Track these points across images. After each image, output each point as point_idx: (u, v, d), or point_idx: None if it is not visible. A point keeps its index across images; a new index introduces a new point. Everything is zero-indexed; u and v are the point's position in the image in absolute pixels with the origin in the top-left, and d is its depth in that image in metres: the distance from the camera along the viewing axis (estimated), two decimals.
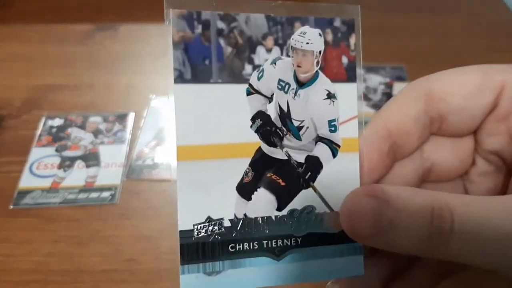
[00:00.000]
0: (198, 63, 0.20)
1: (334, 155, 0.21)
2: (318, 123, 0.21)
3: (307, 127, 0.21)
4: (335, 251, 0.21)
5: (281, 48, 0.21)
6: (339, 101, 0.21)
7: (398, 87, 0.60)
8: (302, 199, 0.21)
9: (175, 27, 0.19)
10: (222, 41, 0.20)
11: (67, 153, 0.51)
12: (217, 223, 0.20)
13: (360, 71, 0.21)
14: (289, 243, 0.21)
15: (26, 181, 0.48)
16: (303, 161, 0.21)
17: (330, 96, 0.21)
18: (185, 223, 0.19)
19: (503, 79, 0.20)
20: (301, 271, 0.21)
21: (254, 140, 0.21)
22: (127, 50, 0.66)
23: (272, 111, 0.21)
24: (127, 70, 0.63)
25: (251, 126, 0.21)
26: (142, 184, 0.48)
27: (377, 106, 0.57)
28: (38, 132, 0.53)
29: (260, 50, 0.21)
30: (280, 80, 0.21)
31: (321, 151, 0.21)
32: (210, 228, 0.20)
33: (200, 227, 0.20)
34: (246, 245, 0.20)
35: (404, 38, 0.69)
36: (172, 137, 0.19)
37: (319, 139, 0.22)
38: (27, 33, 0.69)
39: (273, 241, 0.20)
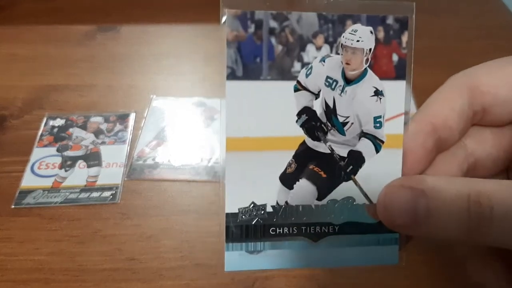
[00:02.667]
0: (249, 61, 0.21)
1: (377, 151, 0.22)
2: (364, 119, 0.22)
3: (352, 123, 0.22)
4: (372, 240, 0.22)
5: (331, 46, 0.21)
6: (387, 98, 0.22)
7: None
8: (342, 191, 0.22)
9: (230, 26, 0.20)
10: (273, 40, 0.21)
11: (69, 153, 0.51)
12: (260, 208, 0.22)
13: (410, 69, 0.22)
14: (326, 230, 0.22)
15: (27, 180, 0.48)
16: (345, 155, 0.22)
17: (378, 93, 0.22)
18: (231, 207, 0.22)
19: None
20: (337, 256, 0.22)
21: (299, 134, 0.22)
22: (128, 51, 0.67)
23: (318, 107, 0.22)
24: (128, 70, 0.63)
25: (296, 121, 0.22)
26: (143, 184, 0.48)
27: None
28: (40, 132, 0.54)
29: (310, 48, 0.21)
30: (328, 77, 0.22)
31: (365, 146, 0.22)
32: (254, 212, 0.22)
33: (245, 211, 0.22)
34: (285, 229, 0.22)
35: None
36: (221, 131, 0.21)
37: (363, 134, 0.22)
38: (29, 34, 0.70)
39: (312, 227, 0.22)
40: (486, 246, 0.19)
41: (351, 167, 0.22)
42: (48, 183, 0.48)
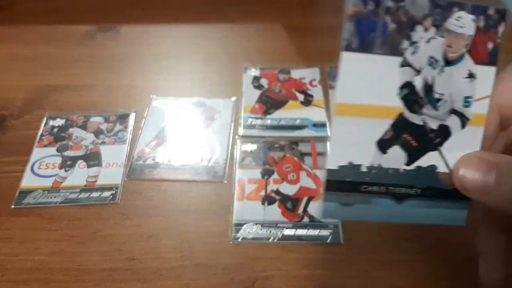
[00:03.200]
0: (365, 35, 0.23)
1: (463, 127, 0.25)
2: (456, 98, 0.25)
3: (446, 100, 0.25)
4: (447, 204, 0.26)
5: (437, 28, 0.24)
6: (478, 80, 0.25)
7: None
8: (428, 159, 0.25)
9: (352, 2, 0.23)
10: (388, 18, 0.23)
11: (69, 153, 0.51)
12: (356, 168, 0.25)
13: (501, 57, 0.25)
14: (410, 192, 0.26)
15: (27, 180, 0.48)
16: (435, 128, 0.25)
17: (471, 76, 0.25)
18: (332, 164, 0.25)
19: None
20: (415, 215, 0.26)
21: (398, 105, 0.25)
22: (128, 51, 0.67)
23: (418, 83, 0.25)
24: (128, 70, 0.63)
25: (398, 94, 0.24)
26: (143, 184, 0.48)
27: None
28: (40, 132, 0.54)
29: (419, 29, 0.24)
30: (430, 56, 0.24)
31: (453, 122, 0.25)
32: (350, 170, 0.25)
33: (343, 168, 0.25)
34: (375, 188, 0.25)
35: None
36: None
37: (453, 111, 0.25)
38: (29, 34, 0.70)
39: (398, 188, 0.25)
40: None
41: (439, 139, 0.25)
42: (48, 183, 0.48)
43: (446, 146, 0.25)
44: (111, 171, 0.49)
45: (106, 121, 0.55)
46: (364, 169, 0.25)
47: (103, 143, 0.53)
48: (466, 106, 0.25)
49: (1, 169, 0.50)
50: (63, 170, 0.50)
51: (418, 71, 0.24)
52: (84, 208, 0.46)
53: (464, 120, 0.25)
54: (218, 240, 0.43)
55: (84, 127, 0.54)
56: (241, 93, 0.59)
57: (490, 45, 0.25)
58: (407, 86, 0.24)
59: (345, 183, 0.25)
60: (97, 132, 0.54)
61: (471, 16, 0.24)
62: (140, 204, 0.46)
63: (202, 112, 0.57)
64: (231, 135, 0.53)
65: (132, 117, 0.56)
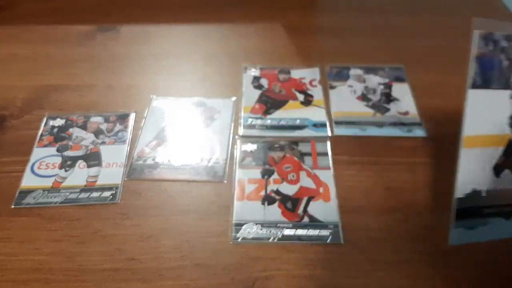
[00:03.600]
0: (486, 73, 0.26)
1: None
2: None
3: None
4: None
5: None
6: None
7: (397, 87, 0.60)
8: None
9: (477, 45, 0.26)
10: (503, 56, 0.26)
11: (69, 153, 0.51)
12: (477, 194, 0.28)
13: None
14: None
15: (27, 180, 0.48)
16: None
17: None
18: (459, 193, 0.28)
19: None
20: None
21: (508, 132, 0.28)
22: (128, 51, 0.67)
23: None
24: (128, 70, 0.63)
25: (508, 123, 0.27)
26: (143, 184, 0.48)
27: (376, 106, 0.57)
28: (40, 132, 0.54)
29: None
30: None
31: None
32: (473, 196, 0.28)
33: (467, 195, 0.28)
34: (491, 209, 0.28)
35: (403, 39, 0.69)
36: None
37: None
38: (29, 34, 0.70)
39: (507, 207, 0.28)
40: None
41: None
42: (48, 183, 0.48)
43: None
44: (111, 171, 0.49)
45: (106, 121, 0.55)
46: (484, 194, 0.28)
47: (103, 143, 0.53)
48: None
49: (1, 169, 0.50)
50: (63, 170, 0.50)
51: None
52: (84, 208, 0.46)
53: None
54: (218, 240, 0.43)
55: (84, 127, 0.54)
56: (241, 93, 0.59)
57: None
58: None
59: (470, 209, 0.28)
60: (97, 132, 0.54)
61: None
62: (140, 204, 0.46)
63: (202, 112, 0.57)
64: (231, 135, 0.53)
65: (132, 117, 0.56)
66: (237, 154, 0.51)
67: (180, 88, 0.60)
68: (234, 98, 0.58)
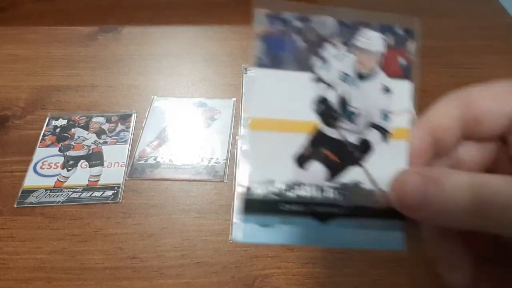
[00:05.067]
0: (275, 53, 0.24)
1: (385, 140, 0.25)
2: (373, 112, 0.25)
3: (362, 114, 0.25)
4: (378, 225, 0.24)
5: (346, 46, 0.24)
6: (394, 94, 0.25)
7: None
8: (352, 175, 0.24)
9: (260, 23, 0.24)
10: (297, 37, 0.24)
11: (71, 153, 0.52)
12: (274, 185, 0.24)
13: (415, 71, 0.25)
14: (335, 211, 0.24)
15: (30, 180, 0.49)
16: (355, 142, 0.25)
17: (386, 89, 0.25)
18: (249, 182, 0.23)
19: None
20: (343, 237, 0.24)
21: (315, 120, 0.24)
22: (129, 51, 0.67)
23: (333, 98, 0.25)
24: (130, 71, 0.63)
25: (313, 108, 0.24)
26: (144, 183, 0.49)
27: None
28: (42, 132, 0.54)
29: (328, 46, 0.24)
30: (342, 72, 0.25)
31: (373, 136, 0.25)
32: (269, 188, 0.24)
33: (260, 186, 0.24)
34: (296, 206, 0.24)
35: None
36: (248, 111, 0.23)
37: (372, 125, 0.25)
38: (31, 35, 0.70)
39: (321, 207, 0.24)
40: (485, 231, 0.21)
41: (360, 153, 0.24)
42: (50, 182, 0.49)
43: (370, 161, 0.24)
44: (112, 171, 0.50)
45: (108, 121, 0.56)
46: (283, 186, 0.24)
47: (104, 143, 0.53)
48: (385, 120, 0.25)
49: (4, 169, 0.50)
50: (65, 169, 0.50)
51: (331, 87, 0.25)
52: (86, 207, 0.46)
53: (384, 133, 0.25)
54: (218, 239, 0.43)
55: (86, 127, 0.55)
56: (241, 94, 0.59)
57: (402, 61, 0.25)
58: (322, 100, 0.24)
59: (263, 202, 0.23)
60: (99, 132, 0.54)
61: (379, 34, 0.24)
62: (141, 203, 0.47)
63: (202, 112, 0.57)
64: (231, 135, 0.54)
65: (133, 117, 0.56)
66: (237, 154, 0.51)
67: (181, 89, 0.61)
68: (234, 99, 0.59)
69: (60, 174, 0.49)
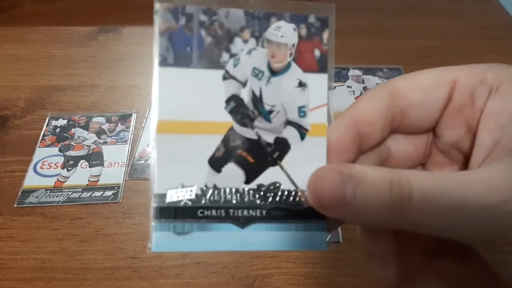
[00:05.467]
0: (180, 50, 0.22)
1: (302, 138, 0.23)
2: (289, 109, 0.23)
3: (278, 112, 0.23)
4: (299, 226, 0.23)
5: (257, 40, 0.23)
6: (310, 89, 0.23)
7: None
8: (269, 176, 0.23)
9: (162, 18, 0.21)
10: (203, 32, 0.22)
11: (71, 153, 0.52)
12: (188, 190, 0.22)
13: (331, 64, 0.23)
14: (254, 214, 0.22)
15: (30, 180, 0.49)
16: (272, 141, 0.23)
17: (301, 84, 0.23)
18: (160, 188, 0.22)
19: (455, 75, 0.23)
20: (264, 240, 0.23)
21: (228, 120, 0.23)
22: (129, 51, 0.67)
23: (245, 95, 0.23)
24: (130, 71, 0.63)
25: (225, 108, 0.22)
26: (144, 183, 0.49)
27: None
28: (42, 132, 0.54)
29: (238, 41, 0.22)
30: (254, 68, 0.23)
31: (290, 134, 0.23)
32: (182, 194, 0.22)
33: (173, 192, 0.22)
34: (213, 211, 0.22)
35: (401, 40, 0.69)
36: (153, 113, 0.22)
37: (289, 123, 0.23)
38: (31, 35, 0.70)
39: (239, 210, 0.22)
40: (406, 229, 0.20)
41: (277, 153, 0.23)
42: (50, 182, 0.49)
43: (288, 161, 0.23)
44: (112, 171, 0.50)
45: (108, 121, 0.56)
46: (198, 191, 0.22)
47: (104, 143, 0.53)
48: (302, 116, 0.23)
49: (4, 169, 0.50)
50: (65, 169, 0.50)
51: (243, 84, 0.23)
52: (86, 207, 0.46)
53: (301, 131, 0.23)
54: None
55: (86, 127, 0.55)
56: None
57: (317, 53, 0.23)
58: (234, 99, 0.23)
59: (178, 209, 0.22)
60: (99, 132, 0.54)
61: (291, 25, 0.23)
62: (141, 203, 0.47)
63: None
64: None
65: (133, 117, 0.56)
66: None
67: None
68: None
69: (60, 174, 0.49)
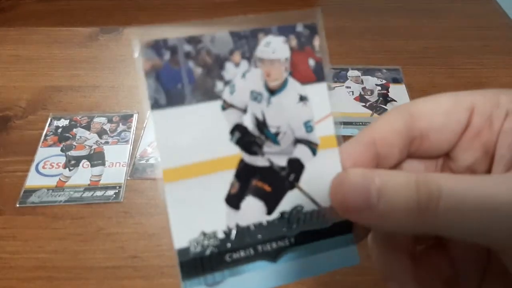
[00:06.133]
0: (170, 88, 0.20)
1: (314, 154, 0.22)
2: (294, 126, 0.22)
3: (284, 132, 0.22)
4: (329, 245, 0.22)
5: (248, 60, 0.21)
6: (312, 102, 0.22)
7: (394, 88, 0.61)
8: (290, 201, 0.22)
9: (144, 56, 0.20)
10: (191, 63, 0.20)
11: (73, 153, 0.52)
12: (212, 236, 0.20)
13: (328, 71, 0.22)
14: (283, 244, 0.21)
15: (32, 180, 0.49)
16: (285, 164, 0.22)
17: (302, 98, 0.22)
18: (180, 241, 0.20)
19: (472, 100, 0.22)
20: (299, 269, 0.21)
21: (235, 152, 0.21)
22: (131, 52, 0.67)
23: (248, 122, 0.22)
24: (131, 71, 0.64)
25: (230, 140, 0.21)
26: (145, 183, 0.49)
27: (373, 107, 0.58)
28: (44, 132, 0.54)
29: (229, 66, 0.21)
30: (252, 91, 0.22)
31: (301, 152, 0.22)
32: (206, 242, 0.20)
33: (196, 242, 0.20)
34: (242, 252, 0.21)
35: (400, 40, 0.70)
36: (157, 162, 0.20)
37: (297, 141, 0.22)
38: (32, 36, 0.71)
39: (268, 244, 0.21)
40: (433, 233, 0.19)
41: (293, 175, 0.22)
42: (52, 182, 0.49)
43: (305, 180, 0.22)
44: (114, 171, 0.50)
45: (109, 121, 0.56)
46: (221, 235, 0.20)
47: (106, 143, 0.53)
48: (309, 131, 0.22)
49: (6, 169, 0.50)
50: (67, 169, 0.50)
51: (244, 110, 0.22)
52: (87, 207, 0.47)
53: (312, 146, 0.22)
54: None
55: (87, 127, 0.55)
56: None
57: (311, 62, 0.22)
58: (238, 128, 0.21)
59: (205, 259, 0.20)
60: (101, 132, 0.54)
61: (281, 38, 0.21)
62: (143, 203, 0.47)
63: None
64: None
65: (134, 117, 0.56)
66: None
67: None
68: None
69: (62, 174, 0.50)
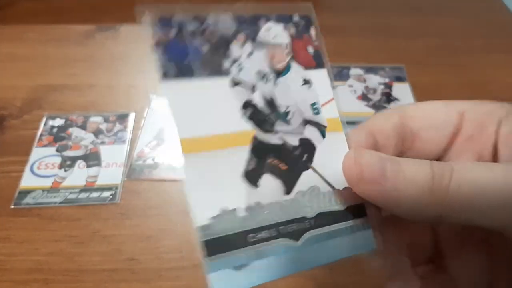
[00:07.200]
0: (179, 61, 0.20)
1: (323, 135, 0.23)
2: (303, 108, 0.23)
3: (294, 112, 0.23)
4: (346, 230, 0.22)
5: (253, 42, 0.22)
6: (315, 85, 0.23)
7: (397, 87, 0.60)
8: (306, 181, 0.22)
9: (153, 29, 0.20)
10: (197, 41, 0.21)
11: (68, 153, 0.51)
12: (233, 214, 0.20)
13: (326, 58, 0.23)
14: (303, 226, 0.21)
15: (27, 181, 0.48)
16: (297, 143, 0.22)
17: (306, 82, 0.23)
18: (201, 218, 0.19)
19: (462, 107, 0.23)
20: (319, 253, 0.21)
21: (248, 128, 0.21)
22: (127, 50, 0.67)
23: (258, 100, 0.22)
24: (128, 70, 0.63)
25: (242, 116, 0.21)
26: (142, 184, 0.48)
27: (376, 106, 0.57)
28: (39, 132, 0.54)
29: (234, 46, 0.22)
30: (258, 71, 0.22)
31: (311, 133, 0.23)
32: (227, 220, 0.20)
33: (217, 220, 0.19)
34: (264, 233, 0.20)
35: (403, 39, 0.69)
36: (173, 133, 0.20)
37: (307, 122, 0.23)
38: (28, 34, 0.70)
39: (289, 225, 0.21)
40: (445, 214, 0.19)
41: (306, 155, 0.22)
42: (47, 183, 0.48)
43: (318, 161, 0.22)
44: (110, 171, 0.49)
45: (106, 121, 0.55)
46: (241, 212, 0.20)
47: (102, 143, 0.53)
48: (316, 113, 0.23)
49: (0, 169, 0.50)
50: (62, 170, 0.49)
51: (252, 88, 0.22)
52: (83, 208, 0.46)
53: (321, 128, 0.23)
54: None
55: (83, 127, 0.54)
56: None
57: (310, 49, 0.23)
58: (248, 105, 0.22)
59: (228, 238, 0.19)
60: (97, 132, 0.54)
61: (280, 25, 0.22)
62: (140, 204, 0.46)
63: None
64: None
65: (131, 117, 0.56)
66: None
67: None
68: None
69: (57, 174, 0.49)
